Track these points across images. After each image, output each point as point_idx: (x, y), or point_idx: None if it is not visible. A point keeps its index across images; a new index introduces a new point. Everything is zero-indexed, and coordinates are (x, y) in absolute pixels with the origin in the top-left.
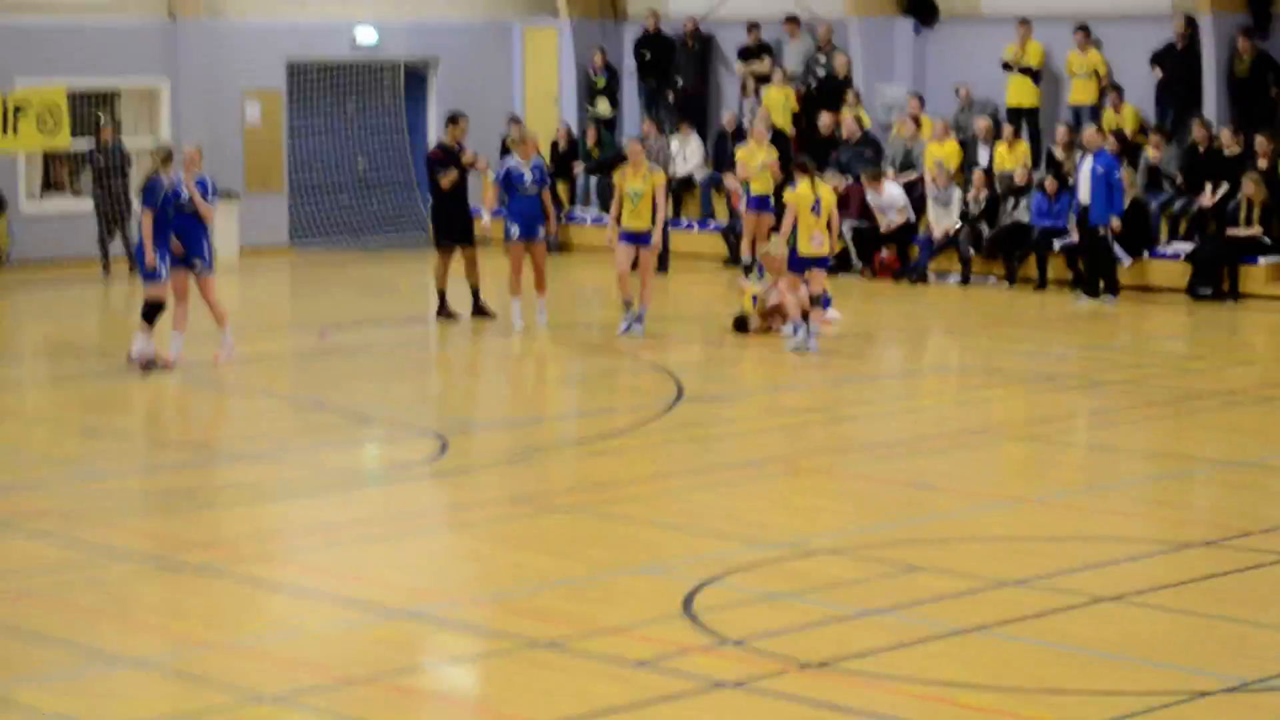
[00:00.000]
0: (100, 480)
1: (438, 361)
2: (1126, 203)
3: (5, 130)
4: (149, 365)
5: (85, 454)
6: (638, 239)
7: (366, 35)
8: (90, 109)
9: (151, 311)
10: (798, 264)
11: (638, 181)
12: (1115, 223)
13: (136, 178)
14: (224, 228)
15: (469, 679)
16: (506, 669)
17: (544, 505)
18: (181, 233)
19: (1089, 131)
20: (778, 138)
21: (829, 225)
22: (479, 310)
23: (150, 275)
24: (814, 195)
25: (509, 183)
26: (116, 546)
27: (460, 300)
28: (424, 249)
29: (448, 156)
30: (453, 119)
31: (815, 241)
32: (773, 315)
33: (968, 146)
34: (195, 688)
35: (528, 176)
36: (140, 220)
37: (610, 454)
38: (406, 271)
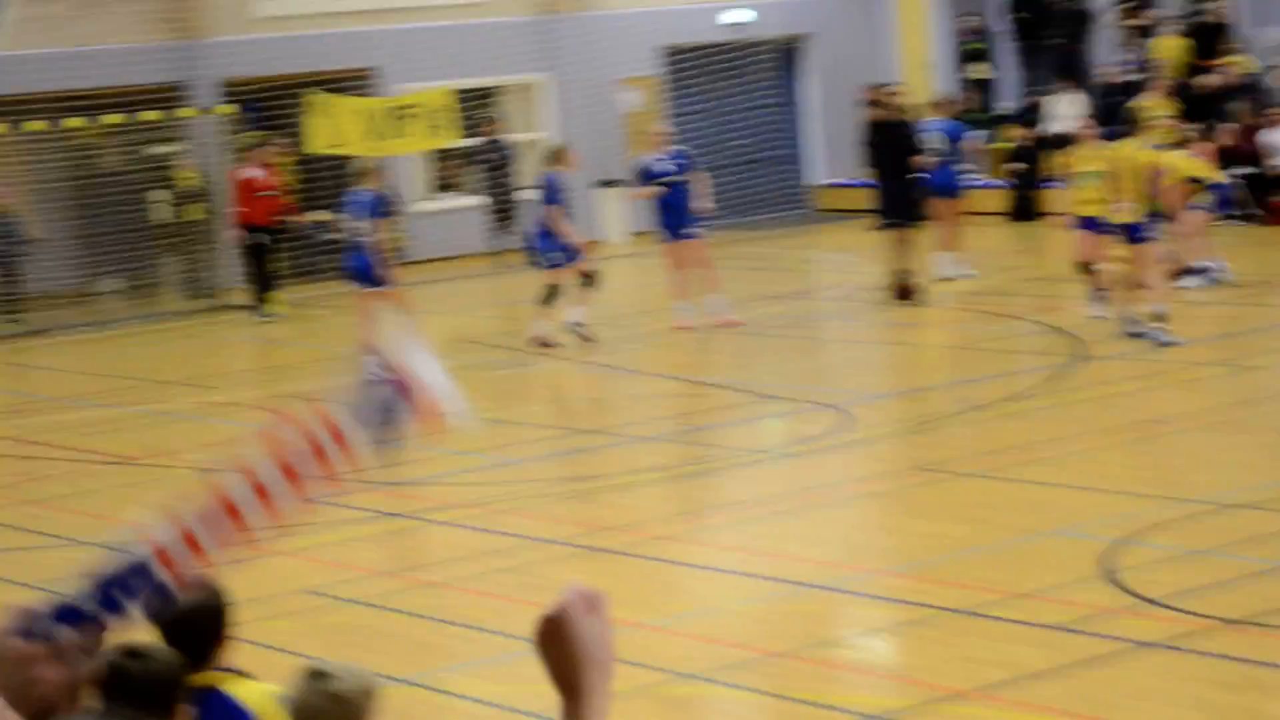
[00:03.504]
0: (513, 468)
1: (831, 335)
2: None
3: (397, 133)
4: (547, 344)
5: (496, 443)
6: (1095, 226)
7: (740, 15)
8: (474, 107)
9: (549, 294)
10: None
11: (1094, 161)
12: None
13: (522, 171)
14: (615, 214)
15: (890, 649)
16: (926, 638)
17: (951, 472)
18: (669, 206)
19: None
20: (1178, 89)
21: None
22: (905, 293)
23: (552, 262)
24: None
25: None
26: (533, 533)
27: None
28: (807, 225)
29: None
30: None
31: None
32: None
33: None
34: (619, 668)
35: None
36: (542, 214)
37: (1014, 417)
38: (792, 248)
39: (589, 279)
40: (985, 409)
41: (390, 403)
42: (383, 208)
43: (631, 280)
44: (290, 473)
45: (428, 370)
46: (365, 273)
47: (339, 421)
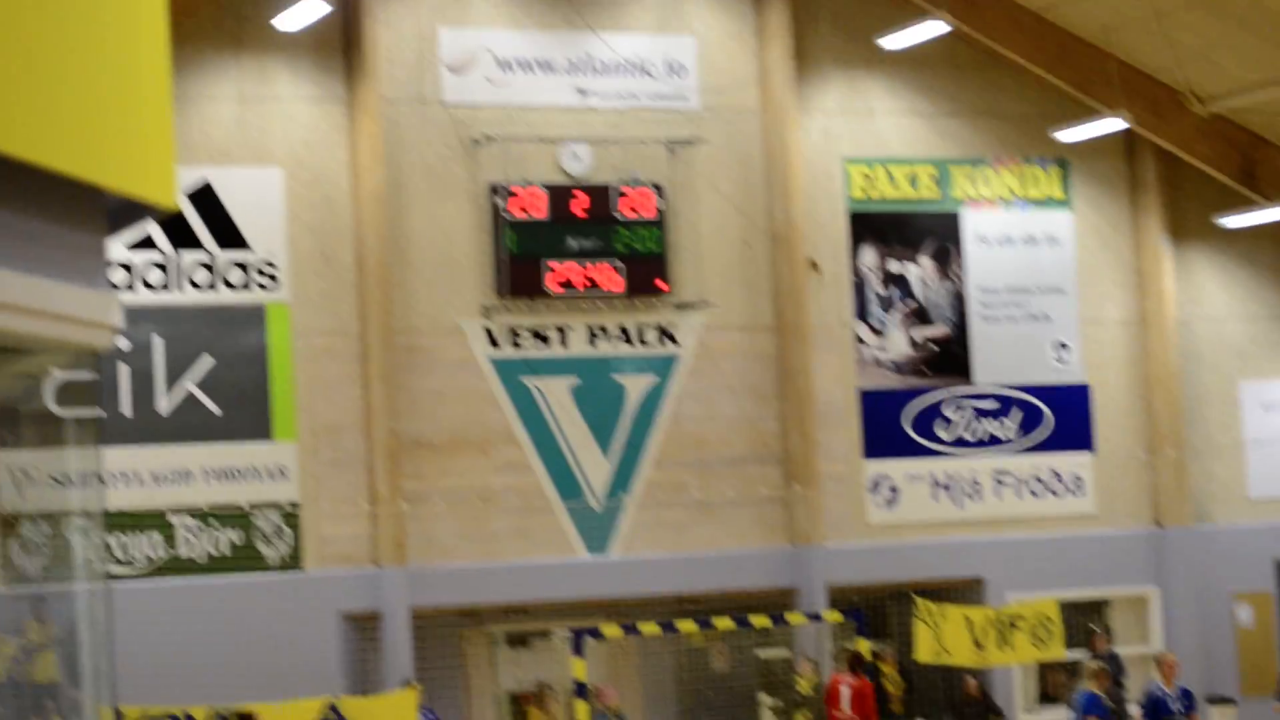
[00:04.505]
0: None
1: None
2: None
3: (1001, 644)
4: None
5: None
6: None
7: None
8: (1082, 619)
9: None
10: None
11: None
12: None
13: (1132, 687)
14: None
15: None
16: None
17: None
18: None
19: None
20: None
21: None
22: None
23: None
24: None
25: None
26: None
27: None
28: None
29: None
30: None
31: None
32: None
33: None
34: None
35: None
36: None
37: None
38: None
39: None
40: None
41: None
42: (1100, 708)
43: None
44: None
45: None
46: None
47: None
